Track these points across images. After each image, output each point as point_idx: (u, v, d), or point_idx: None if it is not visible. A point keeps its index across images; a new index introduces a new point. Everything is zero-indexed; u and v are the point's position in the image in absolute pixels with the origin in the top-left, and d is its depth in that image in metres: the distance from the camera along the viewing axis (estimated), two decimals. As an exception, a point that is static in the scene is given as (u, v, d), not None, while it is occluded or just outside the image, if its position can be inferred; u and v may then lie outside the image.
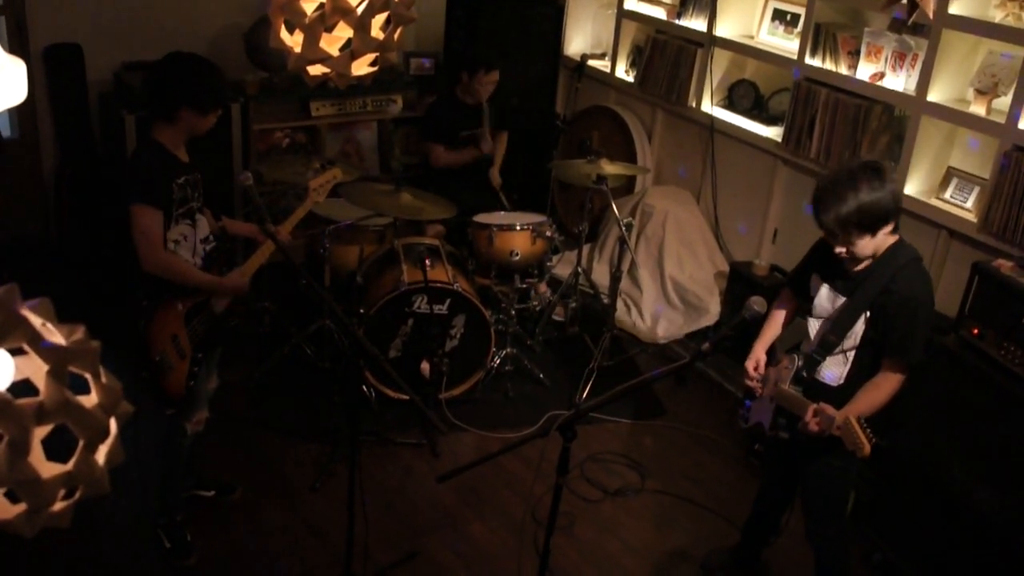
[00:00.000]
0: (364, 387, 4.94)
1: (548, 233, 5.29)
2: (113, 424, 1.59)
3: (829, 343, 3.35)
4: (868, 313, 3.25)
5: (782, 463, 3.82)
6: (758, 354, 3.64)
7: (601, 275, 6.34)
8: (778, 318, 3.70)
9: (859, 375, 3.35)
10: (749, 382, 3.63)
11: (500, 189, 6.03)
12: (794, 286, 3.67)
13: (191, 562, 4.03)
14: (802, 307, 3.64)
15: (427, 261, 4.76)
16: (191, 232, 3.73)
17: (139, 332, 3.64)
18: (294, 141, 6.63)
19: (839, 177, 3.13)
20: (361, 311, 4.90)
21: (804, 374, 3.45)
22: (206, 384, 3.98)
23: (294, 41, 3.30)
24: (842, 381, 3.39)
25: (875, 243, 3.19)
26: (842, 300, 3.33)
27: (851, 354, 3.35)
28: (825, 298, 3.40)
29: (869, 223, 3.12)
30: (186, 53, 3.75)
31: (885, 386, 3.26)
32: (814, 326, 3.47)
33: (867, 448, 3.09)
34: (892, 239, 3.23)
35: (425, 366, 4.90)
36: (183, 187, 3.65)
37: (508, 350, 5.36)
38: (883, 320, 3.23)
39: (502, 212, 5.59)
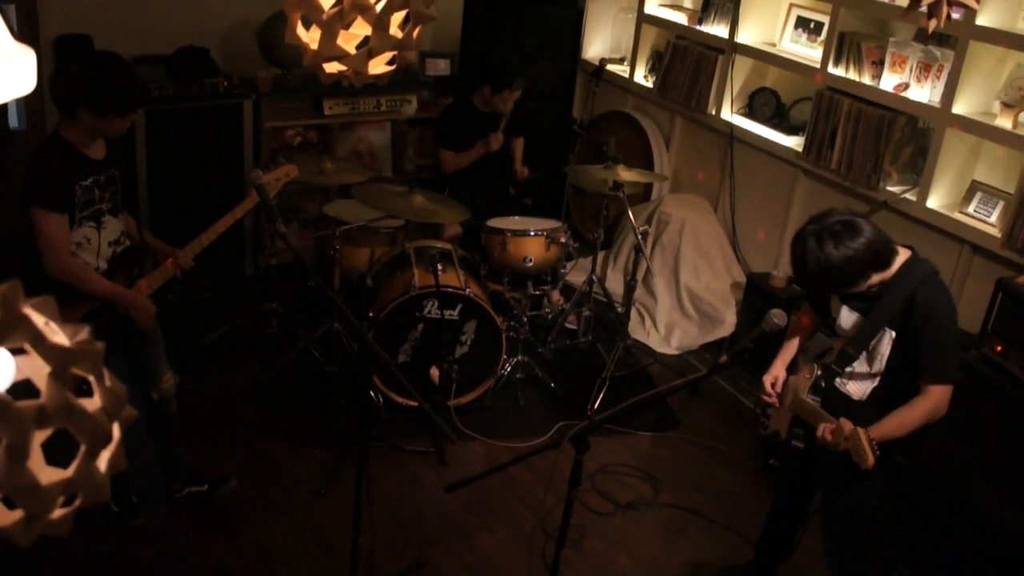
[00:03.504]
0: (372, 392, 4.86)
1: (562, 239, 5.21)
2: (116, 429, 1.52)
3: (847, 355, 3.29)
4: (893, 334, 3.17)
5: (796, 477, 3.74)
6: (777, 370, 3.57)
7: (615, 283, 6.26)
8: (798, 334, 3.62)
9: (884, 394, 3.26)
10: (766, 398, 3.56)
11: (521, 180, 5.97)
12: (814, 305, 3.60)
13: (138, 522, 4.06)
14: (824, 323, 3.57)
15: (439, 265, 4.68)
16: (95, 235, 3.61)
17: None
18: (306, 139, 6.56)
19: (804, 247, 3.07)
20: (371, 314, 4.83)
21: (823, 384, 3.39)
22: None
23: (310, 37, 3.23)
24: (865, 397, 3.31)
25: (871, 282, 3.14)
26: (861, 318, 3.27)
27: (880, 377, 3.27)
28: (845, 319, 3.34)
29: (850, 280, 3.10)
30: (99, 52, 3.63)
31: (919, 407, 3.14)
32: (836, 343, 3.41)
33: (870, 459, 3.00)
34: (900, 259, 3.16)
35: (435, 372, 4.83)
36: (89, 189, 3.52)
37: (519, 358, 5.27)
38: (909, 338, 3.14)
39: (516, 217, 5.50)
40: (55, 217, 3.43)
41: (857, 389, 3.33)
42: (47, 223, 3.42)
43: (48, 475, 1.41)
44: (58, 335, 1.44)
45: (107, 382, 1.49)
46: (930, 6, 3.37)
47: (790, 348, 3.61)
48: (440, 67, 6.96)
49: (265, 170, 4.28)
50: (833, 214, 3.11)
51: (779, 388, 3.53)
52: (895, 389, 3.23)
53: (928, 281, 3.14)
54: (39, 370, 1.37)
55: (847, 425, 3.09)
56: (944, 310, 3.14)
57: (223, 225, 3.91)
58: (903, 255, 3.17)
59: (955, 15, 3.53)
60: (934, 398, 3.12)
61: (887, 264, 3.12)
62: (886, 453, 3.14)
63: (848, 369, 3.32)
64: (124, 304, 3.64)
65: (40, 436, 1.39)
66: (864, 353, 3.26)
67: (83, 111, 3.42)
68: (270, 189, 4.14)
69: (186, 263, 3.79)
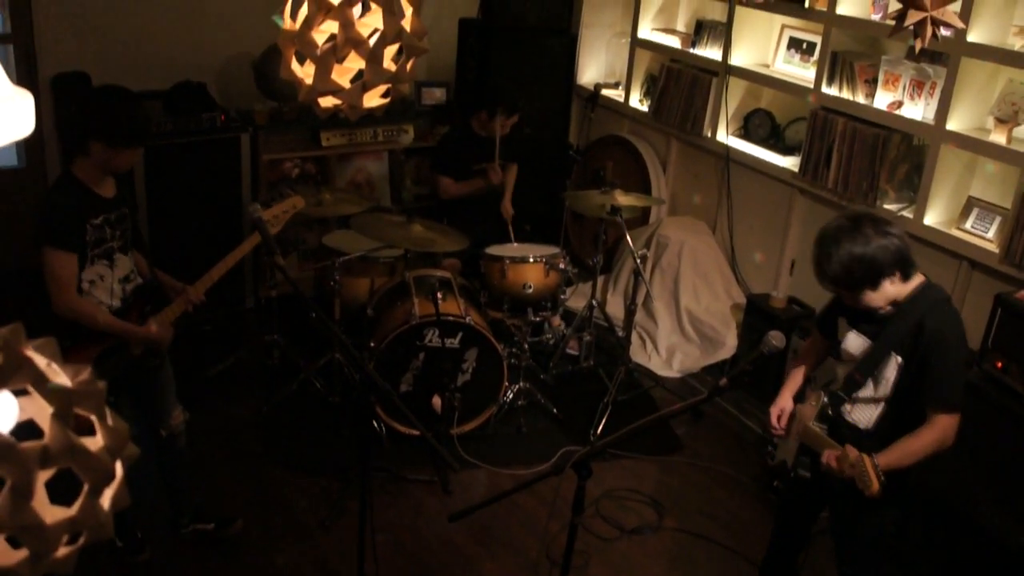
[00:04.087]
0: (375, 422, 4.85)
1: (562, 265, 5.22)
2: (119, 467, 1.52)
3: (853, 382, 3.24)
4: (900, 359, 3.12)
5: (799, 504, 3.69)
6: (783, 402, 3.50)
7: (616, 307, 6.27)
8: (806, 362, 3.58)
9: (890, 422, 3.21)
10: (773, 430, 3.50)
11: (511, 221, 5.95)
12: (822, 328, 3.54)
13: (143, 558, 4.05)
14: (832, 348, 3.50)
15: (439, 294, 4.69)
16: (108, 272, 3.63)
17: None
18: (304, 171, 6.58)
19: (825, 235, 3.07)
20: (372, 345, 4.83)
21: (829, 412, 3.33)
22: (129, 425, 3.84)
23: (305, 72, 3.25)
24: (871, 426, 3.25)
25: (885, 294, 3.08)
26: (868, 343, 3.22)
27: (886, 403, 3.21)
28: (852, 342, 3.28)
29: (861, 279, 3.04)
30: (108, 87, 3.65)
31: (925, 436, 3.07)
32: (843, 368, 3.36)
33: (875, 486, 2.96)
34: (915, 282, 3.11)
35: (437, 401, 4.83)
36: (100, 227, 3.54)
37: (521, 384, 5.27)
38: (916, 364, 3.09)
39: (515, 244, 5.52)
40: (64, 256, 3.45)
41: (863, 417, 3.27)
42: (56, 261, 3.44)
43: (52, 514, 1.42)
44: (60, 376, 1.45)
45: (109, 420, 1.50)
46: (915, 26, 3.40)
47: (796, 377, 3.55)
48: (436, 96, 7.00)
49: (272, 203, 4.25)
50: (863, 213, 3.09)
51: (785, 420, 3.47)
52: (901, 418, 3.18)
53: (939, 307, 3.09)
54: (42, 411, 1.38)
55: (852, 452, 3.05)
56: (954, 337, 3.07)
57: (232, 260, 3.90)
58: (918, 279, 3.12)
59: (945, 32, 3.55)
60: (941, 427, 3.06)
61: (907, 275, 3.08)
62: (897, 483, 3.08)
63: (854, 395, 3.26)
64: (136, 340, 3.65)
65: (44, 476, 1.40)
66: (870, 379, 3.21)
67: (95, 144, 3.45)
68: (278, 221, 4.15)
69: (197, 298, 3.79)
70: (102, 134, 3.44)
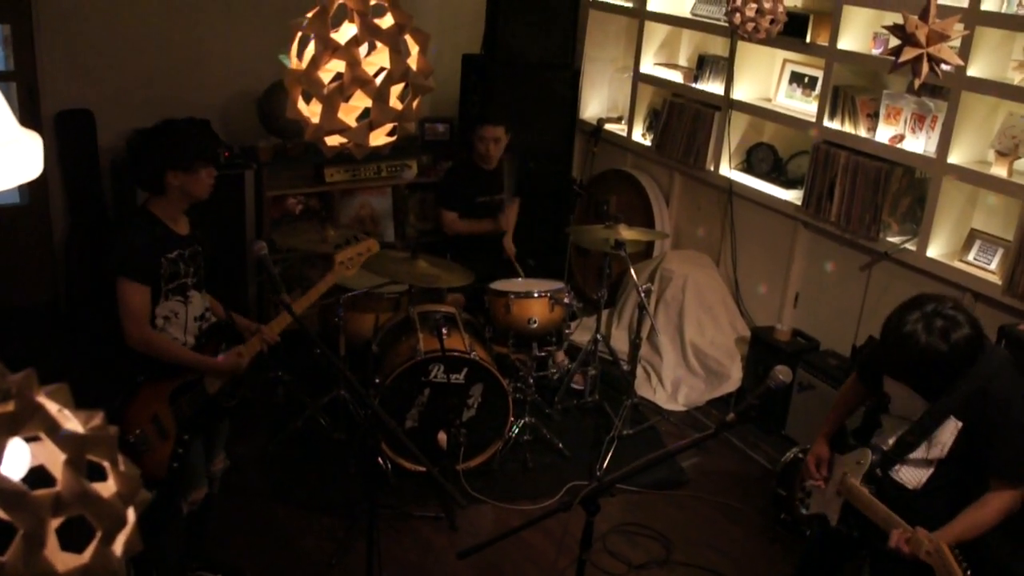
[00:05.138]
0: (380, 458, 4.84)
1: (566, 300, 5.22)
2: (131, 513, 1.52)
3: (906, 444, 3.09)
4: (960, 424, 2.98)
5: (830, 556, 3.56)
6: (820, 449, 3.40)
7: (620, 341, 6.26)
8: (844, 407, 3.48)
9: (942, 484, 3.07)
10: (812, 482, 3.39)
11: (515, 258, 5.96)
12: (864, 376, 3.39)
13: None
14: (873, 397, 3.37)
15: (443, 330, 4.69)
16: (182, 309, 3.63)
17: (115, 409, 3.50)
18: (308, 207, 6.60)
19: (908, 332, 2.88)
20: (377, 381, 4.83)
21: (878, 472, 3.18)
22: (199, 464, 3.81)
23: (311, 111, 3.27)
24: (919, 487, 3.11)
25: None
26: (923, 401, 3.06)
27: (936, 463, 3.07)
28: (904, 397, 3.11)
29: (949, 374, 2.92)
30: (164, 121, 3.68)
31: (993, 505, 2.94)
32: (890, 422, 3.23)
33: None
34: None
35: (442, 437, 4.81)
36: (174, 262, 3.56)
37: (527, 419, 5.26)
38: (980, 432, 2.95)
39: (519, 279, 5.53)
40: (139, 288, 3.46)
41: (912, 478, 3.13)
42: (130, 293, 3.45)
43: (64, 562, 1.41)
44: (71, 421, 1.44)
45: (121, 466, 1.50)
46: (912, 63, 3.43)
47: (833, 419, 3.46)
48: (439, 132, 7.04)
49: (346, 245, 4.10)
50: (938, 300, 2.93)
51: (824, 469, 3.37)
52: (952, 479, 3.06)
53: (1004, 371, 2.97)
54: (54, 457, 1.38)
55: (925, 537, 2.88)
56: (1020, 403, 2.94)
57: (307, 301, 3.88)
58: None
59: (946, 67, 3.58)
60: (1009, 498, 2.94)
61: (975, 360, 2.94)
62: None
63: (906, 457, 3.12)
64: (212, 373, 3.65)
65: (55, 523, 1.40)
66: (925, 441, 3.07)
67: (171, 175, 3.48)
68: (353, 264, 4.07)
69: (272, 338, 3.76)
70: (176, 161, 3.47)
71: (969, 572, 2.79)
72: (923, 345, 2.85)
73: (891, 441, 3.17)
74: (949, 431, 3.01)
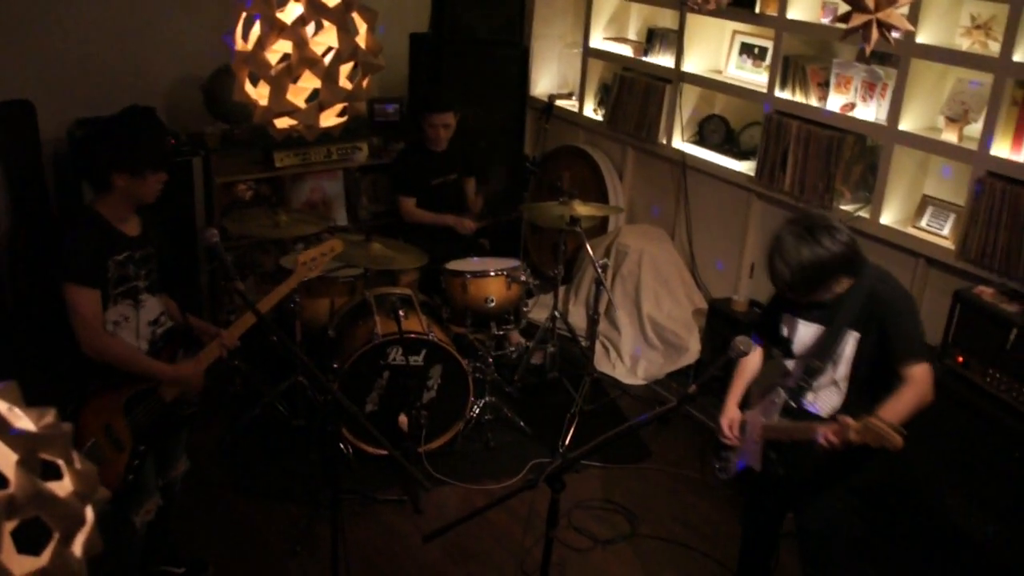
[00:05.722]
0: (341, 444, 4.80)
1: (523, 278, 5.20)
2: (89, 512, 1.47)
3: (813, 368, 3.28)
4: (857, 334, 3.19)
5: (768, 504, 3.72)
6: (731, 411, 3.53)
7: (578, 317, 6.26)
8: (748, 368, 3.60)
9: (856, 403, 3.23)
10: (726, 440, 3.52)
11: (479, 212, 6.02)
12: (763, 331, 3.59)
13: None
14: (773, 349, 3.58)
15: (401, 312, 4.65)
16: (133, 313, 3.48)
17: (65, 418, 3.35)
18: (258, 193, 6.50)
19: (781, 243, 3.12)
20: (335, 366, 4.78)
21: (793, 405, 3.36)
22: (151, 475, 3.64)
23: (259, 94, 3.21)
24: (834, 414, 3.26)
25: (836, 290, 3.16)
26: (821, 328, 3.27)
27: (844, 384, 3.28)
28: (803, 333, 3.33)
29: (818, 283, 3.12)
30: (120, 115, 3.49)
31: (906, 393, 3.08)
32: (794, 364, 3.41)
33: (899, 439, 2.86)
34: None
35: (403, 419, 4.78)
36: (122, 264, 3.40)
37: (487, 399, 5.25)
38: (875, 332, 3.16)
39: (475, 258, 5.49)
40: (86, 292, 3.30)
41: (826, 404, 3.31)
42: (80, 299, 3.29)
43: (20, 565, 1.37)
44: (23, 420, 1.40)
45: (77, 464, 1.45)
46: (862, 29, 3.43)
47: (739, 385, 3.58)
48: (388, 113, 6.96)
49: (308, 246, 4.06)
50: (812, 217, 3.18)
51: (736, 428, 3.50)
52: (861, 399, 3.22)
53: (886, 278, 3.23)
54: (6, 458, 1.33)
55: (848, 422, 2.97)
56: (904, 297, 3.23)
57: (267, 303, 3.75)
58: None
59: (896, 35, 3.58)
60: (918, 381, 3.09)
61: (858, 274, 3.16)
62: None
63: (815, 383, 3.30)
64: (167, 381, 3.51)
65: (10, 525, 1.35)
66: (830, 362, 3.26)
67: (118, 176, 3.33)
68: (316, 265, 4.00)
69: (231, 343, 3.64)
70: (123, 164, 3.31)
71: (902, 430, 2.88)
72: (800, 251, 3.07)
73: (800, 374, 3.34)
74: (848, 344, 3.22)
